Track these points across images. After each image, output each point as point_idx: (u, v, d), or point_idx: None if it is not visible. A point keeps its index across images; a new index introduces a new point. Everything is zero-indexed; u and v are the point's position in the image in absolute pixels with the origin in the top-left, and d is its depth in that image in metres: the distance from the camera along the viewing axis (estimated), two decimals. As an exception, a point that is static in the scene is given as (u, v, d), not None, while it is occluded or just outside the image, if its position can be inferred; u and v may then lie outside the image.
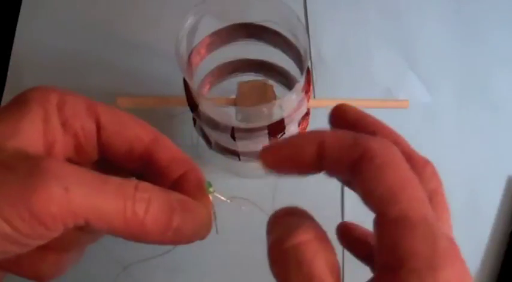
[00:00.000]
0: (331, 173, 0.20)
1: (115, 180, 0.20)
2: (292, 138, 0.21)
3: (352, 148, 0.19)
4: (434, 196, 0.21)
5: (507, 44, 0.47)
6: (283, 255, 0.18)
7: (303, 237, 0.18)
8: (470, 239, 0.42)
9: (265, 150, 0.21)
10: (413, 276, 0.17)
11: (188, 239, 0.23)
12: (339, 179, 0.21)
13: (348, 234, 0.26)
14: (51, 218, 0.18)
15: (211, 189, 0.25)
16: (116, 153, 0.23)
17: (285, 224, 0.19)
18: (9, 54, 0.46)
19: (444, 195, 0.21)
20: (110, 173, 0.25)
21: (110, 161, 0.24)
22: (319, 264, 0.18)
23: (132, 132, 0.23)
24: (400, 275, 0.17)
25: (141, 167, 0.24)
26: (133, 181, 0.21)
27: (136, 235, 0.21)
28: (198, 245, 0.41)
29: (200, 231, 0.23)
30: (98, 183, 0.20)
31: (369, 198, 0.18)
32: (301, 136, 0.21)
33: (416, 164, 0.20)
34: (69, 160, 0.23)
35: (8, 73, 0.45)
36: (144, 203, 0.20)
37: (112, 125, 0.23)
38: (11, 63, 0.46)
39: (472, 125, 0.44)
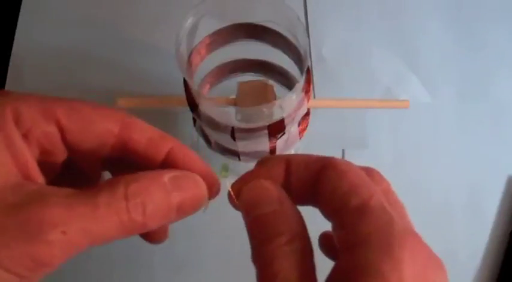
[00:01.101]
0: (297, 190, 0.22)
1: (103, 198, 0.20)
2: (260, 162, 0.23)
3: (316, 162, 0.22)
4: (387, 194, 0.22)
5: (507, 45, 0.47)
6: (256, 220, 0.21)
7: (270, 207, 0.21)
8: (470, 239, 0.42)
9: (236, 183, 0.23)
10: (371, 253, 0.18)
11: (192, 210, 0.23)
12: (303, 202, 0.23)
13: (329, 243, 0.26)
14: (56, 259, 0.19)
15: (225, 174, 0.25)
16: (87, 150, 0.23)
17: (255, 192, 0.22)
18: (9, 54, 0.46)
19: (395, 194, 0.23)
20: (85, 164, 0.24)
21: (82, 158, 0.23)
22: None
23: (97, 126, 0.22)
24: (359, 253, 0.19)
25: (119, 155, 0.23)
26: (121, 189, 0.20)
27: (139, 232, 0.21)
28: (199, 243, 0.41)
29: (202, 199, 0.23)
30: (90, 211, 0.20)
31: (334, 196, 0.20)
32: (268, 159, 0.23)
33: (363, 170, 0.22)
34: (40, 165, 0.22)
35: (8, 73, 0.45)
36: (138, 208, 0.20)
37: (74, 124, 0.22)
38: (11, 63, 0.46)
39: (472, 125, 0.44)
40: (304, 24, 0.46)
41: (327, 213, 0.21)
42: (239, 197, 0.23)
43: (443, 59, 0.46)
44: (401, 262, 0.18)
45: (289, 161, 0.22)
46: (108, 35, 0.46)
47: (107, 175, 0.27)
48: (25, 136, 0.21)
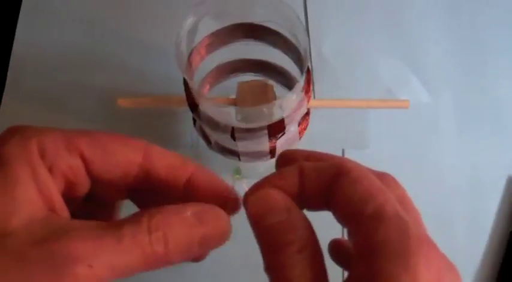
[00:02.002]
0: (311, 197, 0.22)
1: (127, 231, 0.20)
2: (275, 172, 0.23)
3: (329, 168, 0.22)
4: (403, 201, 0.22)
5: (507, 45, 0.47)
6: (265, 230, 0.21)
7: (278, 217, 0.21)
8: (470, 239, 0.42)
9: (251, 190, 0.23)
10: (387, 261, 0.18)
11: (215, 244, 0.23)
12: (318, 208, 0.23)
13: (339, 250, 0.26)
14: None
15: (237, 176, 0.25)
16: (111, 181, 0.23)
17: (262, 202, 0.22)
18: (9, 54, 0.46)
19: (411, 200, 0.23)
20: (107, 194, 0.25)
21: (105, 188, 0.24)
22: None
23: (120, 157, 0.23)
24: (375, 261, 0.19)
25: (142, 184, 0.24)
26: (144, 222, 0.21)
27: (162, 266, 0.22)
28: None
29: (225, 234, 0.23)
30: (114, 244, 0.20)
31: (348, 203, 0.20)
32: (282, 169, 0.23)
33: (378, 176, 0.22)
34: (64, 197, 0.22)
35: (8, 73, 0.45)
36: (160, 241, 0.21)
37: (97, 155, 0.22)
38: (11, 63, 0.46)
39: (472, 125, 0.44)
40: (304, 24, 0.46)
41: (342, 220, 0.21)
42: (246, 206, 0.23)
43: (443, 59, 0.46)
44: (417, 271, 0.18)
45: (302, 169, 0.22)
46: (108, 35, 0.46)
47: (126, 203, 0.27)
48: (50, 169, 0.21)
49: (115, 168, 0.23)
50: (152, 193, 0.24)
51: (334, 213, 0.22)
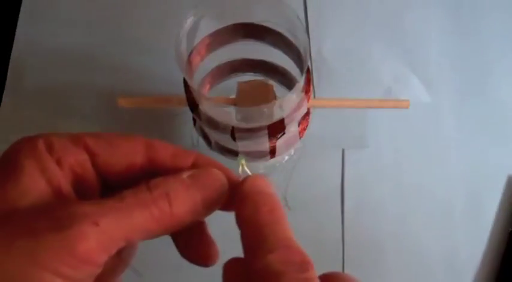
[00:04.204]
0: None
1: (128, 193, 0.21)
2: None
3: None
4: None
5: (508, 45, 0.47)
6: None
7: None
8: (470, 239, 0.42)
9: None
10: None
11: (216, 202, 0.24)
12: None
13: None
14: (95, 253, 0.20)
15: (243, 161, 0.25)
16: (118, 173, 0.24)
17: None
18: (9, 54, 0.46)
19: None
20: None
21: (114, 184, 0.24)
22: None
23: (124, 149, 0.24)
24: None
25: (149, 175, 0.24)
26: (143, 184, 0.22)
27: (174, 227, 0.22)
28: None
29: (223, 190, 0.24)
30: (117, 204, 0.21)
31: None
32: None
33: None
34: (74, 192, 0.23)
35: (8, 73, 0.45)
36: (163, 197, 0.22)
37: (102, 148, 0.23)
38: (11, 63, 0.46)
39: (472, 124, 0.45)
40: (304, 24, 0.46)
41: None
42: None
43: (443, 59, 0.46)
44: None
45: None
46: (108, 35, 0.46)
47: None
48: (58, 162, 0.22)
49: (120, 159, 0.23)
50: None
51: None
